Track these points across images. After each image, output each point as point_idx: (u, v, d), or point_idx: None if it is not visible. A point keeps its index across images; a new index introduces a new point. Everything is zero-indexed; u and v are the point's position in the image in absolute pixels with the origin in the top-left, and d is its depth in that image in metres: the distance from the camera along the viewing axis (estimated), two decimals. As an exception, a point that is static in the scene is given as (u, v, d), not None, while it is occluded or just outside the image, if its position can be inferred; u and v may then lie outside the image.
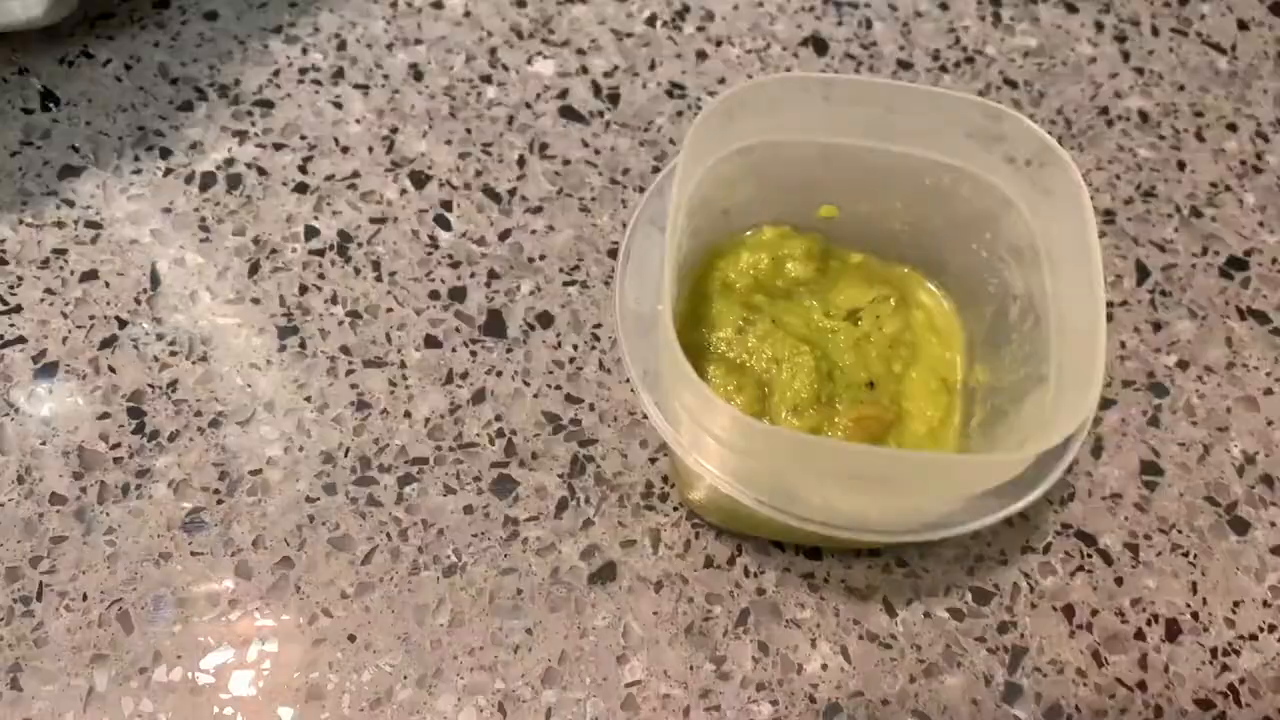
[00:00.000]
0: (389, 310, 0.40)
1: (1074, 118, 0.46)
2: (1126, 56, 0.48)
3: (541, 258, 0.41)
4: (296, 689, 0.34)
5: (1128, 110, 0.47)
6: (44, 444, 0.37)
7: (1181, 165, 0.45)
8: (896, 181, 0.34)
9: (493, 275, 0.41)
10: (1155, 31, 0.49)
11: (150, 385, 0.38)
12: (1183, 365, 0.41)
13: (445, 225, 0.42)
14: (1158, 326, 0.42)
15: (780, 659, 0.35)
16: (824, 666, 0.35)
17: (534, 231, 0.42)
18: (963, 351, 0.35)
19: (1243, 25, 0.49)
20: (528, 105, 0.45)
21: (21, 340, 0.38)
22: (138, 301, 0.39)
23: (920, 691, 0.35)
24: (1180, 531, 0.38)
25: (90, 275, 0.40)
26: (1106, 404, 0.40)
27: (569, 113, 0.45)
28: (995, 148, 0.32)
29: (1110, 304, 0.42)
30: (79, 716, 0.33)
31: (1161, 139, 0.46)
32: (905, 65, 0.47)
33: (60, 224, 0.41)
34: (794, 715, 0.34)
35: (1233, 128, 0.47)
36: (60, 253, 0.40)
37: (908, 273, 0.37)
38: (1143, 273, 0.43)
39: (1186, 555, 0.38)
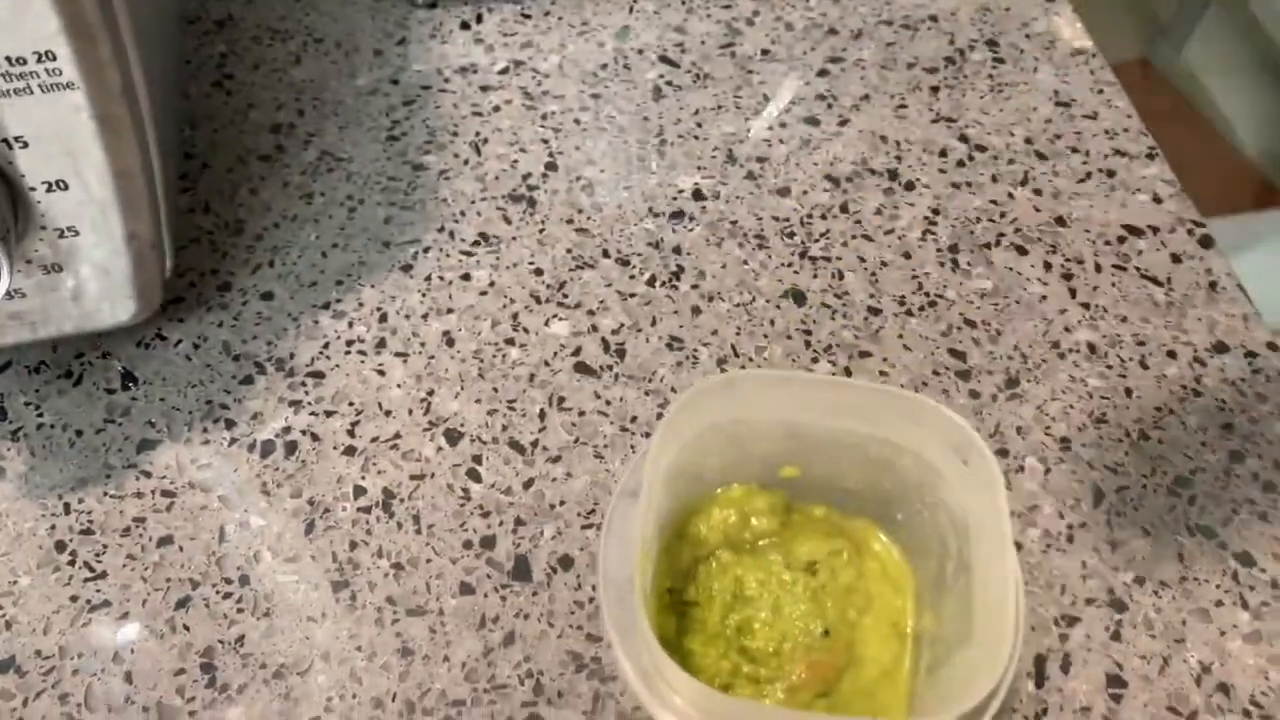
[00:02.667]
0: (428, 561, 0.45)
1: (1029, 352, 0.52)
2: (1074, 293, 0.54)
3: (561, 504, 0.47)
4: None
5: (1077, 343, 0.53)
6: (128, 702, 0.41)
7: (1128, 392, 0.51)
8: (847, 451, 0.40)
9: (519, 523, 0.46)
10: (1098, 268, 0.55)
11: (220, 641, 0.43)
12: (1139, 581, 0.46)
13: (476, 478, 0.47)
14: (1115, 545, 0.47)
15: None
16: None
17: (554, 479, 0.48)
18: (912, 598, 0.40)
19: (1176, 259, 0.56)
20: (546, 363, 0.51)
21: (106, 604, 0.44)
22: (208, 563, 0.45)
23: None
24: (1147, 741, 0.42)
25: (166, 540, 0.45)
26: (1072, 621, 0.45)
27: (582, 368, 0.51)
28: (927, 428, 0.37)
29: (1070, 526, 0.47)
30: None
31: (1109, 368, 0.52)
32: (875, 311, 0.53)
33: (139, 494, 0.46)
34: None
35: (1172, 355, 0.52)
36: (139, 521, 0.46)
37: (864, 524, 0.42)
38: (1098, 495, 0.48)
39: (1154, 764, 0.42)
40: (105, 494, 0.46)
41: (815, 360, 0.51)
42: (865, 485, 0.41)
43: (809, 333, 0.52)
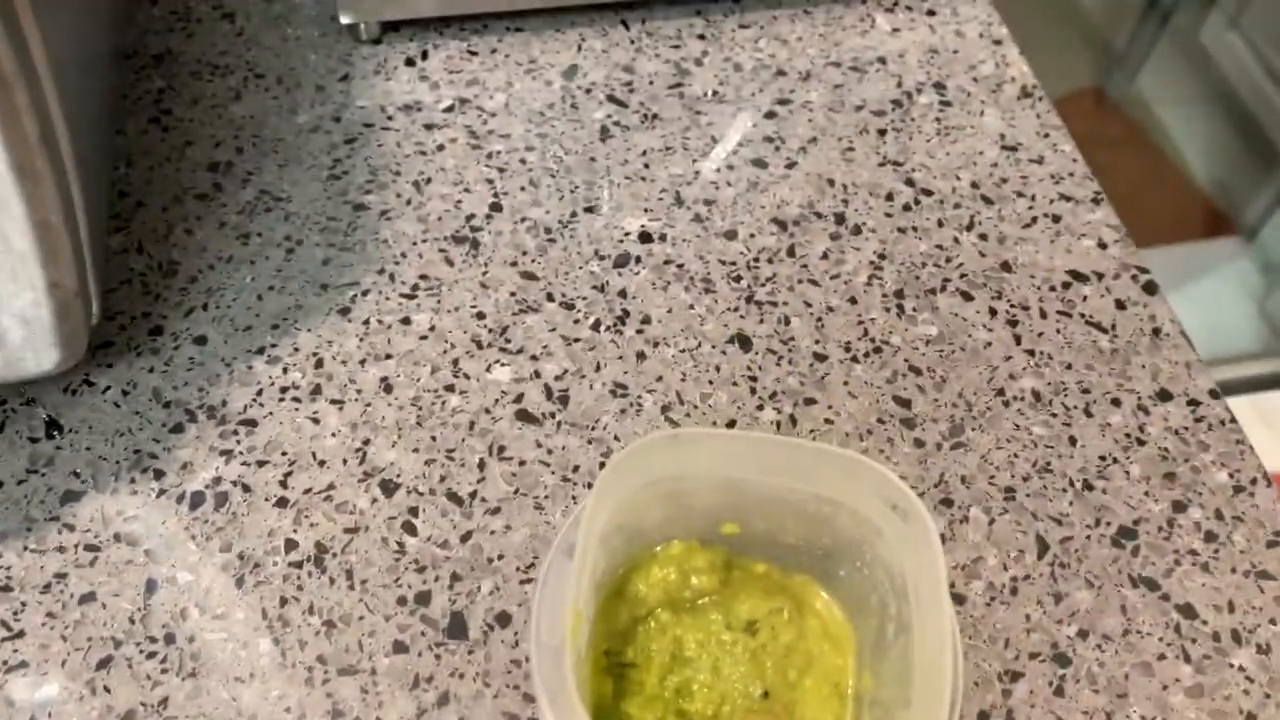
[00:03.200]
0: (360, 618, 0.44)
1: (974, 400, 0.52)
2: (1019, 339, 0.54)
3: (500, 557, 0.46)
4: None
5: (1022, 390, 0.52)
6: (43, 769, 0.40)
7: (1073, 440, 0.51)
8: (786, 508, 0.39)
9: (455, 578, 0.45)
10: (1043, 314, 0.55)
11: (142, 703, 0.41)
12: (1083, 635, 0.45)
13: (412, 531, 0.46)
14: (1059, 598, 0.46)
15: None
16: None
17: (493, 532, 0.47)
18: (853, 657, 0.40)
19: (1120, 305, 0.56)
20: (487, 410, 0.50)
21: (24, 665, 0.42)
22: (132, 621, 0.43)
23: None
24: (1089, 800, 0.42)
25: (88, 597, 0.44)
26: (1015, 676, 0.44)
27: (524, 415, 0.50)
28: (863, 486, 0.37)
29: (1014, 578, 0.47)
30: None
31: (1054, 416, 0.52)
32: (820, 357, 0.53)
33: (61, 548, 0.45)
34: None
35: (1116, 402, 0.52)
36: (61, 576, 0.44)
37: (805, 581, 0.41)
38: (1043, 546, 0.48)
39: (1096, 823, 0.41)
40: (25, 548, 0.45)
41: (760, 408, 0.51)
42: (805, 541, 0.40)
43: (754, 379, 0.52)
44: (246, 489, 0.47)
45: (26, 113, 0.35)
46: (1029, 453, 0.50)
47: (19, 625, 0.43)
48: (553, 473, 0.48)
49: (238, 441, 0.48)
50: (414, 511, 0.47)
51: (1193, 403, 0.53)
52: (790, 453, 0.38)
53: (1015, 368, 0.53)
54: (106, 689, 0.42)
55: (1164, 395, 0.53)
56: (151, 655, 0.43)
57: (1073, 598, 0.46)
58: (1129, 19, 1.73)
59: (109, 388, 0.49)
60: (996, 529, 0.48)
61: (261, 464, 0.48)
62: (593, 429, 0.50)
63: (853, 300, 0.55)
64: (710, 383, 0.52)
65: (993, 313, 0.55)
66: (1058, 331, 0.55)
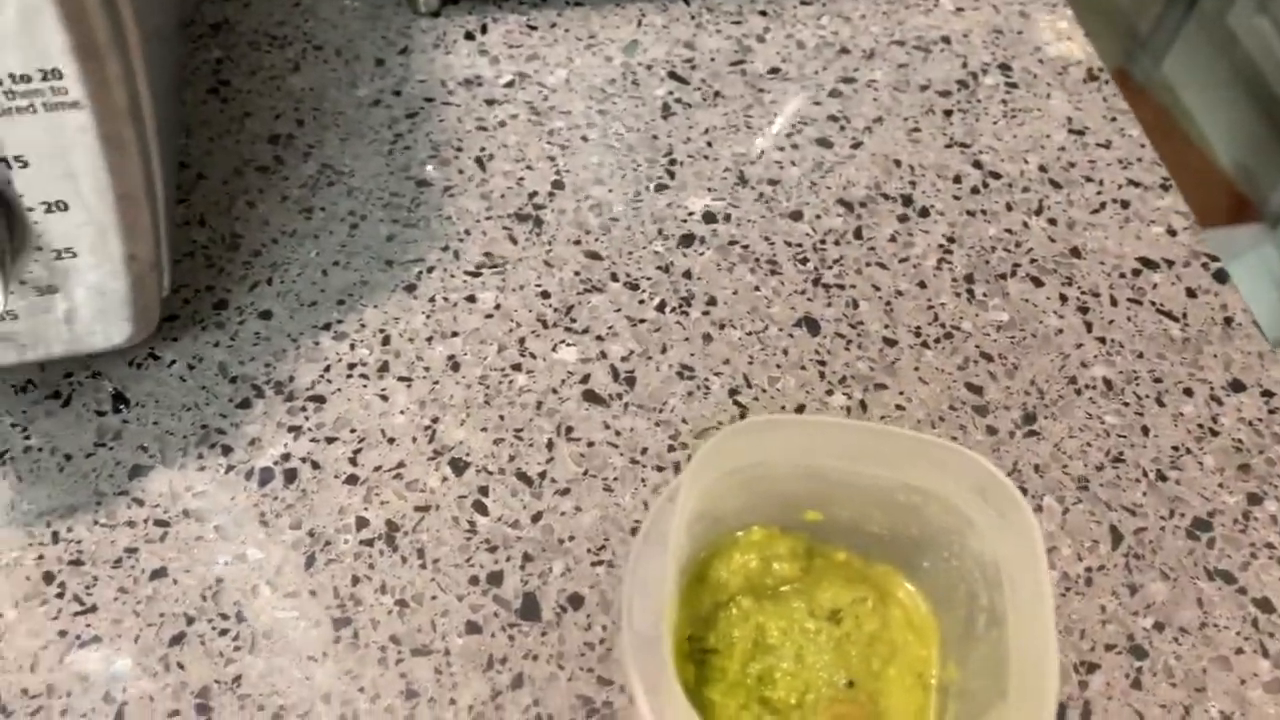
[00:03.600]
0: (433, 598, 0.44)
1: (1045, 388, 0.51)
2: (1090, 327, 0.53)
3: (570, 539, 0.45)
4: None
5: (1094, 379, 0.52)
6: (120, 745, 0.40)
7: (1145, 430, 0.50)
8: (872, 496, 0.38)
9: (527, 558, 0.45)
10: (1114, 302, 0.54)
11: (216, 681, 0.41)
12: (1159, 627, 0.45)
13: (483, 510, 0.46)
14: (1133, 589, 0.46)
15: None
16: None
17: (563, 513, 0.46)
18: (937, 647, 0.39)
19: (1191, 294, 0.55)
20: (554, 391, 0.49)
21: (97, 640, 0.42)
22: (203, 598, 0.43)
23: None
24: (1168, 794, 0.41)
25: (160, 573, 0.43)
26: (1091, 668, 0.44)
27: (591, 396, 0.49)
28: (956, 475, 0.36)
29: (1089, 569, 0.46)
30: None
31: (1126, 405, 0.51)
32: (890, 342, 0.52)
33: (131, 523, 0.44)
34: None
35: (1189, 392, 0.52)
36: (132, 551, 0.44)
37: (888, 571, 0.41)
38: (1117, 537, 0.47)
39: (1176, 817, 0.41)
40: (95, 522, 0.44)
41: (830, 392, 0.50)
42: (890, 530, 0.40)
43: (823, 363, 0.51)
44: (316, 466, 0.46)
45: (117, 83, 0.34)
46: (1102, 442, 0.50)
47: (91, 600, 0.43)
48: (621, 454, 0.48)
49: (306, 418, 0.48)
50: (484, 491, 0.46)
51: (1267, 394, 0.52)
52: (878, 440, 0.37)
53: (1087, 355, 0.52)
54: (180, 665, 0.41)
55: (1237, 386, 0.52)
56: (224, 633, 0.42)
57: (1148, 589, 0.46)
58: (1155, 2, 1.71)
59: (174, 361, 0.49)
60: (1070, 519, 0.47)
61: (330, 441, 0.47)
62: (660, 411, 0.49)
63: (922, 284, 0.54)
64: (778, 366, 0.51)
65: (1063, 299, 0.54)
66: (1128, 319, 0.54)
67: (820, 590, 0.40)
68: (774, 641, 0.39)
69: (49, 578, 0.43)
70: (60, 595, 0.43)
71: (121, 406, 0.47)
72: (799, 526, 0.41)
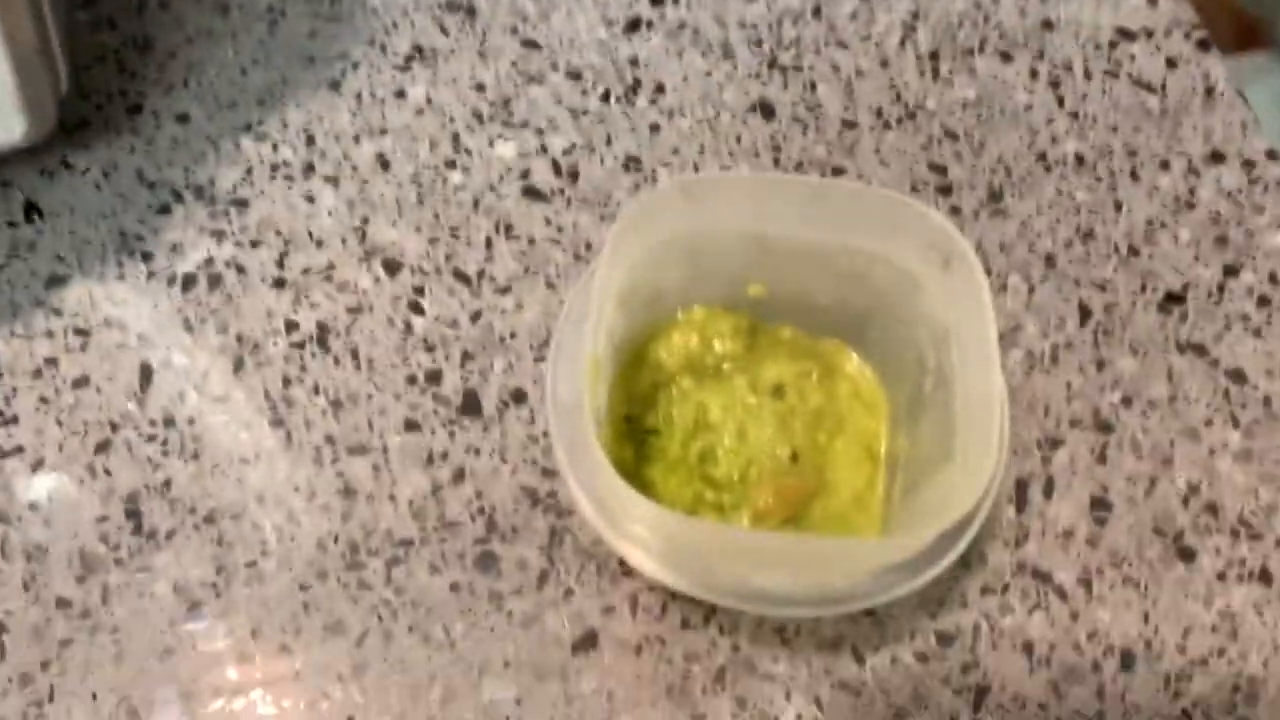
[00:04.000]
0: (369, 397, 0.42)
1: (1013, 165, 0.48)
2: (1061, 102, 0.50)
3: (512, 336, 0.43)
4: (301, 772, 0.36)
5: (1064, 155, 0.49)
6: (47, 550, 0.39)
7: (1118, 205, 0.48)
8: (817, 264, 0.36)
9: (466, 356, 0.43)
10: (1088, 75, 0.51)
11: (145, 485, 0.40)
12: (1126, 402, 0.43)
13: (419, 310, 0.44)
14: (1101, 365, 0.44)
15: (757, 712, 0.37)
16: (799, 717, 0.37)
17: (504, 311, 0.44)
18: (887, 421, 0.38)
19: (1171, 64, 0.52)
20: (492, 188, 0.47)
21: (19, 449, 0.40)
22: (129, 404, 0.41)
23: (891, 735, 0.37)
24: (1131, 564, 0.40)
25: (82, 382, 0.42)
26: (1055, 444, 0.42)
27: (531, 192, 0.47)
28: (904, 232, 0.34)
29: (1055, 346, 0.44)
30: (96, 812, 0.35)
31: (1098, 180, 0.48)
32: (849, 125, 0.49)
33: (50, 333, 0.43)
34: (773, 766, 0.36)
35: (1165, 165, 0.49)
36: (51, 362, 0.42)
37: (836, 346, 0.39)
38: (1085, 313, 0.45)
39: (1138, 586, 0.40)
40: (12, 334, 0.42)
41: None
42: (836, 302, 0.38)
43: (778, 149, 0.48)
44: (241, 270, 0.44)
45: None
46: (1071, 218, 0.47)
47: (11, 411, 0.41)
48: (564, 250, 0.45)
49: (229, 222, 0.45)
50: (420, 291, 0.44)
51: (1248, 164, 0.49)
52: (821, 195, 0.34)
53: (1058, 131, 0.49)
54: (107, 472, 0.40)
55: (1217, 157, 0.49)
56: (151, 439, 0.41)
57: (1116, 365, 0.44)
58: None
59: (88, 169, 0.46)
60: (1037, 297, 0.45)
61: (255, 244, 0.45)
62: (605, 205, 0.47)
63: (884, 63, 0.51)
64: (730, 154, 0.48)
65: (1034, 74, 0.51)
66: (1103, 93, 0.51)
67: (763, 367, 0.38)
68: (715, 419, 0.37)
69: (-34, 390, 0.41)
70: (-21, 407, 0.41)
71: (35, 216, 0.45)
72: (742, 304, 0.39)
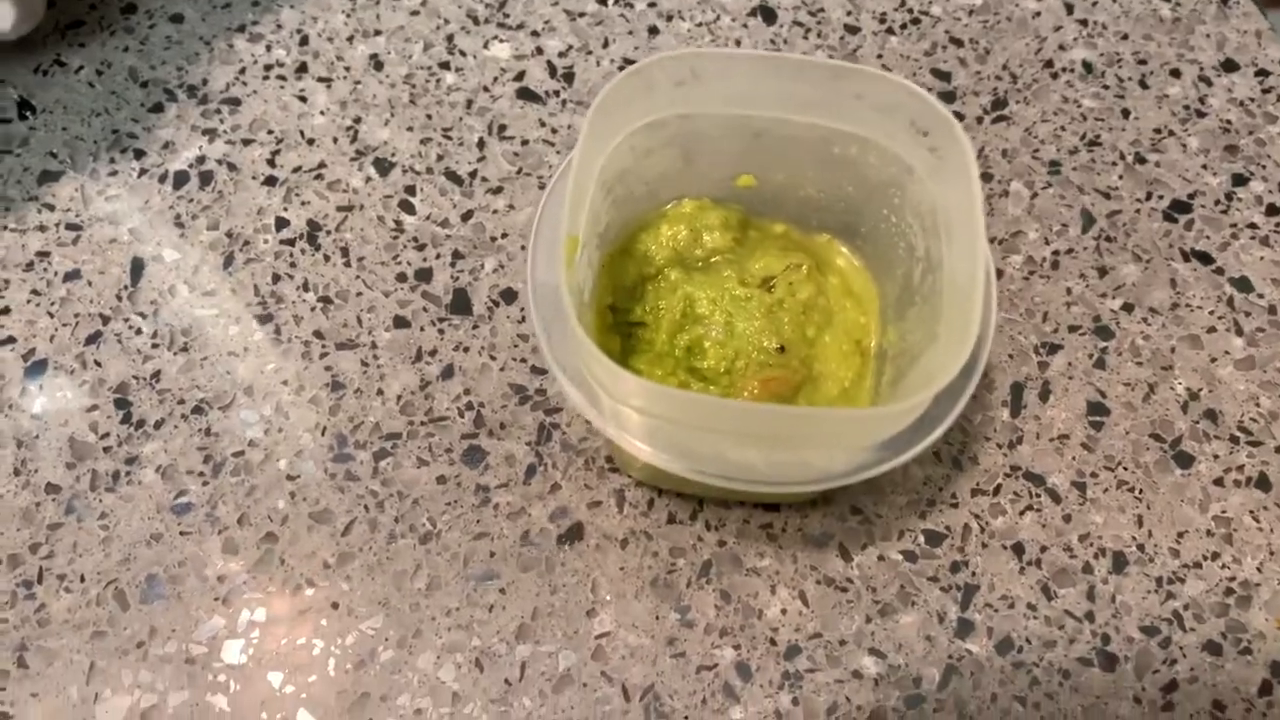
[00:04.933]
0: (358, 294, 0.42)
1: (1019, 72, 0.47)
2: (1070, 9, 0.49)
3: (503, 236, 0.43)
4: (284, 655, 0.36)
5: (1071, 62, 0.48)
6: (38, 437, 0.39)
7: (1125, 113, 0.47)
8: (808, 151, 0.35)
9: (457, 255, 0.43)
10: (1099, -18, 0.50)
11: (135, 377, 0.40)
12: (1128, 308, 0.42)
13: (410, 210, 0.43)
14: (1103, 272, 0.43)
15: (742, 606, 0.37)
16: (783, 611, 0.37)
17: (495, 211, 0.44)
18: (877, 315, 0.37)
19: (1186, -29, 0.50)
20: (485, 89, 0.46)
21: (11, 340, 0.40)
22: (119, 298, 0.41)
23: (876, 630, 0.37)
24: (1126, 468, 0.40)
25: (73, 275, 0.42)
26: (1053, 349, 0.42)
27: (526, 94, 0.46)
28: (895, 116, 0.33)
29: (1056, 252, 0.43)
30: (82, 689, 0.35)
31: (1105, 88, 0.47)
32: (852, 30, 0.48)
33: (42, 228, 0.42)
34: (755, 657, 0.36)
35: (1176, 74, 0.48)
36: (43, 255, 0.42)
37: (827, 240, 0.38)
38: (1088, 220, 0.44)
39: (1132, 491, 0.39)
40: (5, 227, 0.42)
41: (783, 83, 0.47)
42: (827, 193, 0.37)
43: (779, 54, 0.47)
44: (232, 168, 0.44)
45: None
46: (1077, 126, 0.46)
47: (3, 302, 0.41)
48: (558, 152, 0.45)
49: (221, 121, 0.45)
50: (411, 190, 0.44)
51: (1261, 73, 0.48)
52: (812, 74, 0.33)
53: (1065, 38, 0.48)
54: (97, 363, 0.40)
55: (1229, 65, 0.48)
56: (141, 331, 0.41)
57: (1118, 271, 0.43)
58: None
59: (82, 67, 0.46)
60: (1039, 203, 0.44)
61: (247, 143, 0.44)
62: (601, 108, 0.46)
63: (887, -32, 0.50)
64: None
65: (1043, -19, 0.50)
66: (1113, 0, 0.49)
67: (752, 260, 0.37)
68: (703, 311, 0.36)
69: (-41, 282, 0.41)
70: (-29, 299, 0.41)
71: (28, 113, 0.45)
72: (733, 196, 0.38)
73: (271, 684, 0.35)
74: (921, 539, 0.38)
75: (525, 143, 0.45)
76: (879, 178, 0.35)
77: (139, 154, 0.44)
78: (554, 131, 0.45)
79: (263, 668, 0.36)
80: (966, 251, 0.30)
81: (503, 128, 0.45)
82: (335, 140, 0.45)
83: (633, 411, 0.30)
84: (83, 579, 0.37)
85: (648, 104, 0.34)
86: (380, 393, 0.40)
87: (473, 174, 0.44)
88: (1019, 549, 0.38)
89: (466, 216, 0.43)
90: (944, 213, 0.33)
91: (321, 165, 0.44)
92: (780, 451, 0.30)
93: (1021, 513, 0.39)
